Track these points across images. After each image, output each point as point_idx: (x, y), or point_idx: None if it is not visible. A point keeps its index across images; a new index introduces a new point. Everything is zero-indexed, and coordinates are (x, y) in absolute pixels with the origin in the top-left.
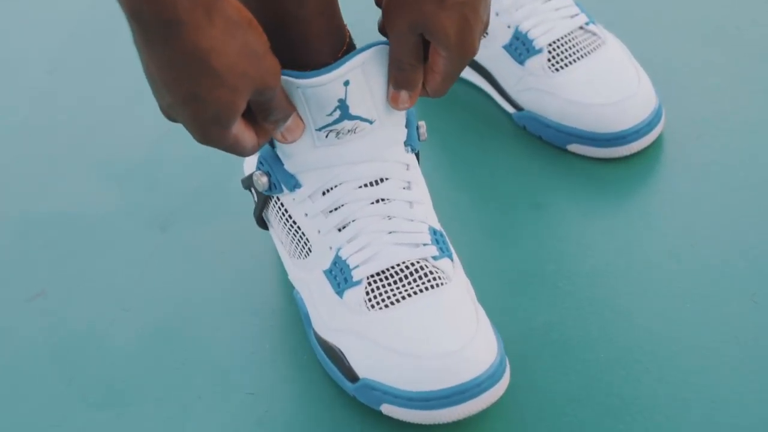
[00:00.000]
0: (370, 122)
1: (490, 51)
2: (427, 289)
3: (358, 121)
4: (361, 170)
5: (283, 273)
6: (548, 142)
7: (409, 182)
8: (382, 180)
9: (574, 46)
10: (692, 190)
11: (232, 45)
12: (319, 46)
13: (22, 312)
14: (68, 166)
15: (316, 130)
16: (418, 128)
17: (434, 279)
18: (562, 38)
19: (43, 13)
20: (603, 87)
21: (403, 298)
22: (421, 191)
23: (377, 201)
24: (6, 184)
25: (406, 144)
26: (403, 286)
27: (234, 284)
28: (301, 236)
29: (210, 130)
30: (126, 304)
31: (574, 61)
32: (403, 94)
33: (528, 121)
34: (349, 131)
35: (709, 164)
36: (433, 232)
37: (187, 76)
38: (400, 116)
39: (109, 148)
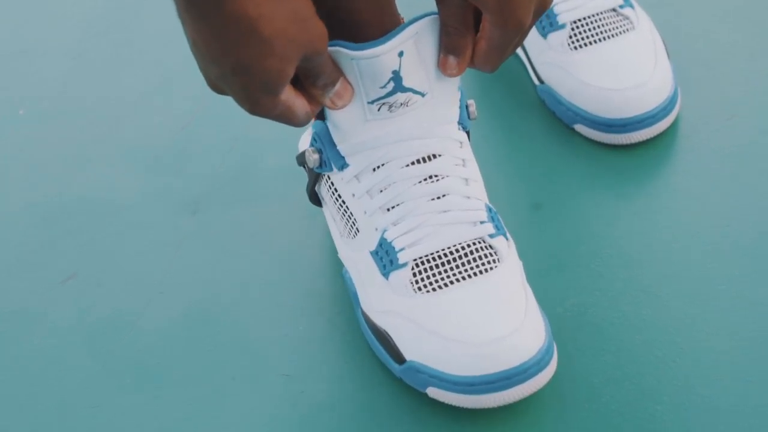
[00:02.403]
0: (423, 95)
1: None
2: (476, 274)
3: (410, 94)
4: (413, 146)
5: (315, 255)
6: (559, 119)
7: (463, 159)
8: (434, 156)
9: (598, 27)
10: (723, 172)
11: (280, 11)
12: (372, 35)
13: (56, 295)
14: (97, 152)
15: (369, 103)
16: (467, 107)
17: (486, 263)
18: (587, 17)
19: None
20: (615, 72)
21: (452, 282)
22: (474, 170)
23: (428, 179)
24: (37, 170)
25: (458, 122)
26: (452, 269)
27: (265, 267)
28: (349, 216)
29: (260, 99)
30: (159, 287)
31: (595, 42)
32: (451, 60)
33: (546, 95)
34: (401, 104)
35: (738, 147)
36: (489, 209)
37: (235, 46)
38: (453, 92)
39: (137, 133)
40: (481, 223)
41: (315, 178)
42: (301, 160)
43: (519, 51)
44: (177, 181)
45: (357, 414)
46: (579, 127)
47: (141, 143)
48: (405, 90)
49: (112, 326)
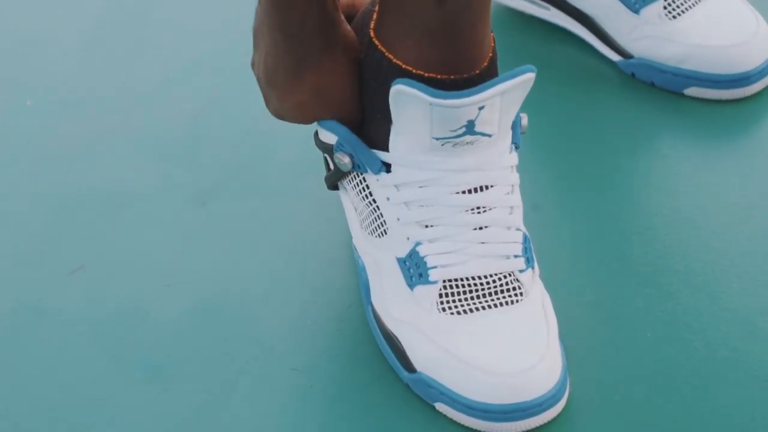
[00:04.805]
0: (490, 136)
1: (601, 0)
2: (503, 304)
3: (479, 136)
4: (467, 177)
5: (326, 248)
6: (661, 88)
7: (512, 185)
8: (485, 187)
9: None
10: None
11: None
12: (472, 53)
13: (63, 287)
14: (105, 144)
15: (434, 138)
16: (520, 120)
17: (513, 295)
18: None
19: None
20: (724, 29)
21: (477, 309)
22: (518, 192)
23: (474, 209)
24: (44, 162)
25: (511, 143)
26: (480, 297)
27: (274, 260)
28: (378, 216)
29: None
30: (168, 279)
31: (691, 6)
32: None
33: (638, 68)
34: (467, 143)
35: None
36: (525, 239)
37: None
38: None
39: (146, 126)
40: (515, 257)
41: (341, 174)
42: (323, 147)
43: (584, 32)
44: (187, 173)
45: (366, 409)
46: (691, 90)
47: (150, 135)
48: (474, 134)
49: (119, 319)
